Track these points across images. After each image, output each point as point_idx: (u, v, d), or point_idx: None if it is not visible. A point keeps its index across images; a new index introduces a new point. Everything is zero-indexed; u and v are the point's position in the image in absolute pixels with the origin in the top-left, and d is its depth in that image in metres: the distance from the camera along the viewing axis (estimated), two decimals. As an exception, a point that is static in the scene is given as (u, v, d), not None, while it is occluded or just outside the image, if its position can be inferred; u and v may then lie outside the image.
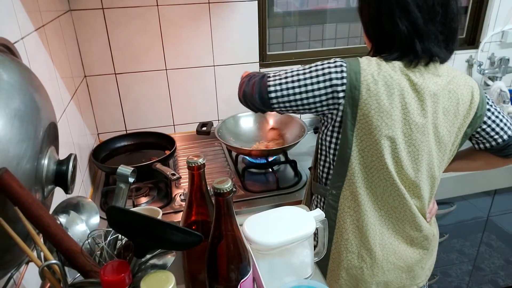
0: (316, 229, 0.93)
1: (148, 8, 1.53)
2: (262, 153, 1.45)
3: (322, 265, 1.07)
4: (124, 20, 1.53)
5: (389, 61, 0.91)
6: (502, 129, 0.99)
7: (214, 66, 1.70)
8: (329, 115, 0.96)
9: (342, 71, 0.90)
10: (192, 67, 1.68)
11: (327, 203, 1.03)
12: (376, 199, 0.99)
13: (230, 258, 0.69)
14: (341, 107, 0.91)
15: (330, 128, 0.97)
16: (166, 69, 1.66)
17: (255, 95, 0.98)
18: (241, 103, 1.07)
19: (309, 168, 1.20)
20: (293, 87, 0.94)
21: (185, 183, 1.42)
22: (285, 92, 0.95)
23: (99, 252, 0.65)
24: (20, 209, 0.53)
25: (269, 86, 0.96)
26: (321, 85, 0.91)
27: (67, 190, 0.66)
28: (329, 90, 0.91)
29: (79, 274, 0.58)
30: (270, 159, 1.54)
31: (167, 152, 1.53)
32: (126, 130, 1.72)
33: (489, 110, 0.98)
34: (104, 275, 0.51)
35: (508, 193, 1.67)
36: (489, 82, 2.05)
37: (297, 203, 1.30)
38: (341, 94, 0.90)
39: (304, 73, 0.94)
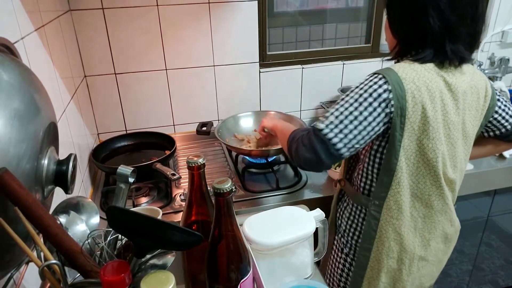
0: (316, 229, 0.93)
1: (148, 8, 1.53)
2: (262, 153, 1.44)
3: (359, 274, 1.07)
4: (124, 20, 1.53)
5: (421, 62, 0.90)
6: (511, 116, 1.05)
7: (214, 66, 1.70)
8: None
9: (387, 88, 0.88)
10: (192, 67, 1.68)
11: (369, 214, 1.01)
12: (422, 205, 0.99)
13: (230, 258, 0.69)
14: (391, 120, 0.90)
15: (377, 142, 0.96)
16: (166, 69, 1.65)
17: (321, 156, 0.90)
18: (302, 169, 1.04)
19: (339, 181, 1.14)
20: (355, 127, 0.88)
21: (185, 183, 1.42)
22: (350, 136, 0.89)
23: (99, 252, 0.65)
24: (20, 209, 0.53)
25: (331, 139, 0.89)
26: (378, 109, 0.88)
27: (67, 190, 0.66)
28: (386, 110, 0.88)
29: (79, 274, 0.58)
30: (270, 159, 1.54)
31: (167, 152, 1.53)
32: (126, 130, 1.72)
33: (498, 100, 1.03)
34: (104, 275, 0.51)
35: (508, 193, 1.67)
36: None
37: (297, 203, 1.30)
38: (392, 109, 0.88)
39: (355, 107, 0.89)
